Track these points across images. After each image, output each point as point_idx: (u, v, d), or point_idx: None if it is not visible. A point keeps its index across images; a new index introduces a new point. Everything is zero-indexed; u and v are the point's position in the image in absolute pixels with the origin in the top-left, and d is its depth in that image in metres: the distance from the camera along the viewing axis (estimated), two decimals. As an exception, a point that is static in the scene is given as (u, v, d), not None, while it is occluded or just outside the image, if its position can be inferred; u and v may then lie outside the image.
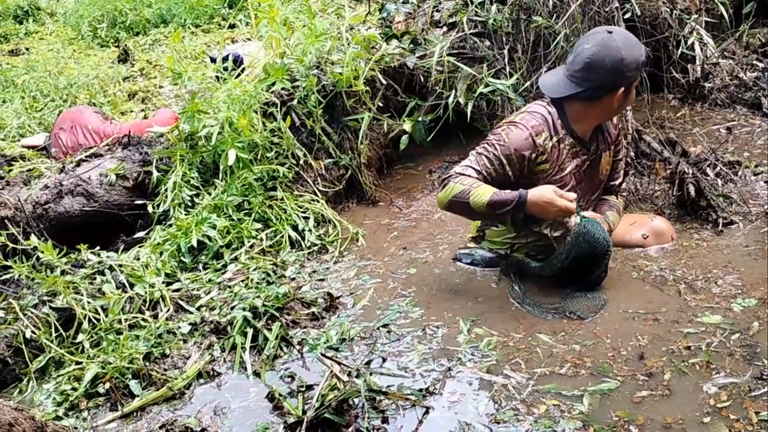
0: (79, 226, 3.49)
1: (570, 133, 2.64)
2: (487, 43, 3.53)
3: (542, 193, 2.48)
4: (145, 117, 5.40)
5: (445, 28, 4.09)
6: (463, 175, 2.59)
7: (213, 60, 4.11)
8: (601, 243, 2.48)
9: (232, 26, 8.09)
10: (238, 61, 4.09)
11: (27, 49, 8.66)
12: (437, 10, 3.99)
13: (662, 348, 2.19)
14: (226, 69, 3.87)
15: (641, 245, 2.85)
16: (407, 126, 3.62)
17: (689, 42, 3.57)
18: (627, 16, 3.39)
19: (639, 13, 3.43)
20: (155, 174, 3.52)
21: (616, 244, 2.79)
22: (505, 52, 3.45)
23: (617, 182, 2.91)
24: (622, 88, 2.50)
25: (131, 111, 5.81)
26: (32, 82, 5.64)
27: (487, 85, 3.41)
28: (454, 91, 3.49)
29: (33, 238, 3.07)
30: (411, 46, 3.86)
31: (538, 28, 3.35)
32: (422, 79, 3.86)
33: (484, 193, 2.50)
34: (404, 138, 3.59)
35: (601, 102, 2.54)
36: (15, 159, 4.75)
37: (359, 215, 3.61)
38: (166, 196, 3.43)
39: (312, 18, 3.67)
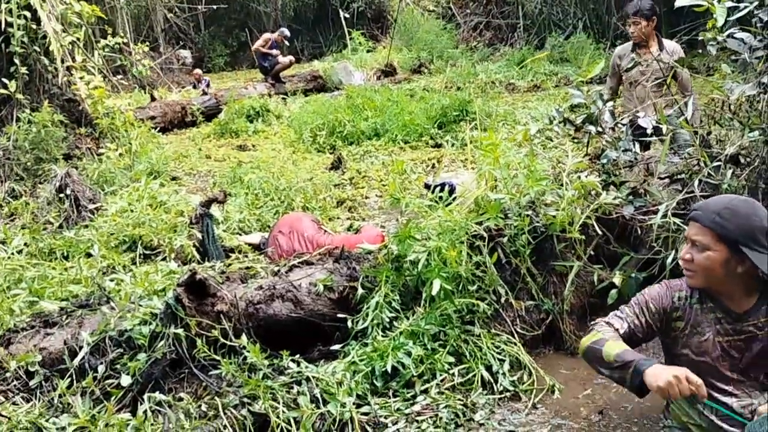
0: (282, 329, 3.66)
1: (709, 296, 2.51)
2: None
3: (660, 371, 2.29)
4: (351, 227, 5.67)
5: (666, 180, 3.95)
6: (608, 323, 2.57)
7: (427, 186, 4.26)
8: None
9: (438, 145, 8.42)
10: (451, 189, 4.20)
11: (253, 146, 9.56)
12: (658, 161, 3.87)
13: None
14: (440, 198, 3.99)
15: None
16: (617, 280, 3.47)
17: None
18: None
19: None
20: (360, 291, 3.64)
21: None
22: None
23: None
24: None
25: (338, 217, 6.14)
26: (256, 180, 6.16)
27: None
28: (674, 252, 3.31)
29: (243, 338, 3.26)
30: (630, 197, 3.76)
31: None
32: (638, 230, 3.72)
33: (616, 347, 2.42)
34: (613, 292, 3.44)
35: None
36: (233, 250, 5.18)
37: (555, 364, 3.47)
38: (367, 315, 3.51)
39: (533, 161, 3.70)
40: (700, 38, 3.64)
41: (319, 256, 4.05)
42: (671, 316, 2.56)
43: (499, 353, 3.34)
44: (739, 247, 2.35)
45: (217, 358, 3.22)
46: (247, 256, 5.14)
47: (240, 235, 5.43)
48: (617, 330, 2.53)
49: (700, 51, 4.61)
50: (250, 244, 5.23)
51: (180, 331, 3.41)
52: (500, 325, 3.51)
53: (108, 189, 6.96)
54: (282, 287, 3.73)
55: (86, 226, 5.51)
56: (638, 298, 2.65)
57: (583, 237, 3.53)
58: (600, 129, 4.13)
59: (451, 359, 3.30)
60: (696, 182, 3.30)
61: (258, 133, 10.28)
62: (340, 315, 3.63)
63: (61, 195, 5.96)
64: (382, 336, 3.42)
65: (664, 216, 3.30)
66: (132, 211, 5.09)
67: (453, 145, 8.29)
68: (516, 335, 3.47)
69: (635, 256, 3.66)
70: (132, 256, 4.78)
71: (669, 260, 3.32)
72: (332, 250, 4.06)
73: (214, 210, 5.16)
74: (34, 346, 3.58)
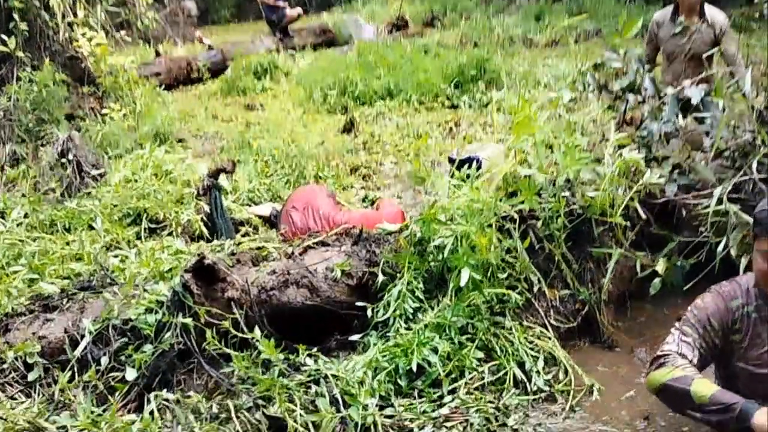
0: (298, 317, 3.43)
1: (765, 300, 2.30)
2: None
3: None
4: (366, 199, 5.40)
5: (710, 154, 3.63)
6: (681, 354, 2.32)
7: (452, 161, 3.96)
8: None
9: (454, 106, 8.07)
10: (478, 165, 3.90)
11: (261, 105, 9.21)
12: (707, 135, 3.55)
13: None
14: (467, 177, 3.72)
15: None
16: (660, 267, 3.20)
17: None
18: None
19: None
20: (381, 278, 3.38)
21: None
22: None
23: None
24: None
25: (352, 186, 5.86)
26: (266, 147, 5.86)
27: None
28: (725, 239, 3.03)
29: (257, 330, 3.02)
30: (674, 174, 3.46)
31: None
32: (681, 211, 3.43)
33: (707, 387, 2.21)
34: (656, 281, 3.17)
35: None
36: (242, 223, 4.92)
37: (592, 359, 3.22)
38: (389, 304, 3.26)
39: (571, 135, 3.39)
40: None
41: (335, 236, 3.79)
42: (732, 329, 2.36)
43: (532, 348, 3.09)
44: None
45: (228, 351, 2.99)
46: (257, 230, 4.89)
47: (250, 206, 5.16)
48: (691, 361, 2.28)
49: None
50: (260, 216, 4.98)
51: (189, 320, 3.18)
52: (532, 317, 3.26)
53: (112, 152, 6.70)
54: (297, 272, 3.48)
55: (89, 194, 5.26)
56: (698, 315, 2.42)
57: (626, 223, 3.24)
58: (640, 98, 3.81)
59: (480, 355, 3.05)
60: (755, 164, 2.99)
61: (266, 91, 9.91)
62: (359, 303, 3.38)
63: (63, 160, 5.70)
64: (405, 328, 3.17)
65: (719, 202, 3.00)
66: (136, 180, 4.81)
67: (470, 106, 7.94)
68: (550, 327, 3.21)
69: (680, 239, 3.37)
70: (137, 230, 4.54)
71: (720, 248, 3.03)
72: (350, 229, 3.79)
73: (222, 180, 4.88)
74: (33, 334, 3.35)
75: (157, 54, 11.07)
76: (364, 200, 5.50)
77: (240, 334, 3.06)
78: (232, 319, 3.17)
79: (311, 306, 3.42)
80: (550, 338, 3.15)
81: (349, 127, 7.56)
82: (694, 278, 3.13)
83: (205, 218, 4.66)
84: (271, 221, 4.92)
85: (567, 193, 3.30)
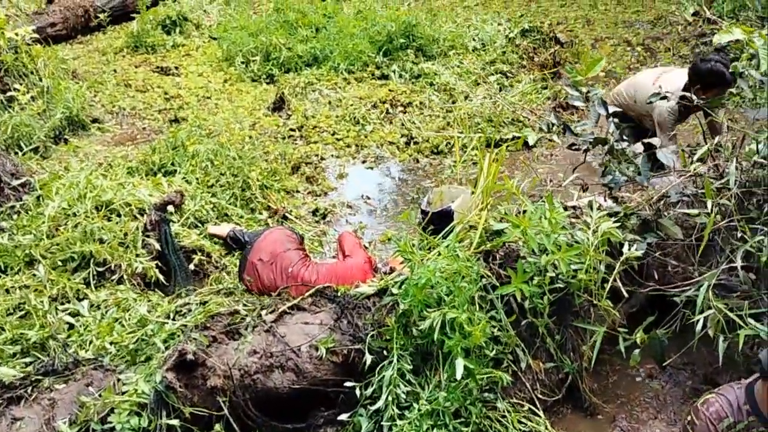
0: (283, 399, 3.38)
1: (765, 423, 2.39)
2: (752, 276, 3.19)
3: None
4: (317, 212, 5.26)
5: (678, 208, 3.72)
6: None
7: (424, 213, 3.88)
8: None
9: (385, 76, 7.86)
10: (448, 216, 3.86)
11: (176, 68, 8.65)
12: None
13: None
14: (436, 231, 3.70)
15: None
16: (639, 340, 3.32)
17: None
18: None
19: None
20: (368, 357, 3.34)
21: None
22: (774, 293, 3.12)
23: None
24: None
25: (297, 191, 5.68)
26: (204, 151, 5.52)
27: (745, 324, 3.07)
28: (703, 320, 3.17)
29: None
30: (645, 236, 3.55)
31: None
32: (655, 274, 3.55)
33: None
34: (635, 353, 3.29)
35: None
36: (194, 251, 4.70)
37: (574, 426, 3.37)
38: (380, 387, 3.25)
39: (555, 227, 3.31)
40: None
41: (311, 299, 3.69)
42: None
43: (523, 429, 3.19)
44: None
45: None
46: (210, 258, 4.70)
47: (198, 226, 4.92)
48: None
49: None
50: (217, 236, 4.78)
51: (175, 422, 3.07)
52: (520, 392, 3.35)
53: (27, 147, 6.19)
54: (279, 353, 3.39)
55: (18, 212, 4.86)
56: None
57: (610, 304, 3.33)
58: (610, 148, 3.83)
59: (475, 440, 3.13)
60: (739, 255, 3.10)
61: (178, 48, 9.29)
62: (347, 384, 3.35)
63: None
64: (399, 415, 3.19)
65: (706, 290, 3.11)
66: (75, 214, 4.46)
67: (401, 76, 7.76)
68: (537, 402, 3.31)
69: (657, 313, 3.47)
70: (83, 275, 4.25)
71: (698, 328, 3.18)
72: (323, 289, 3.70)
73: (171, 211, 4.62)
74: (2, 439, 3.15)
75: (50, 1, 10.08)
76: (315, 213, 5.36)
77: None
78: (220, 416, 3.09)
79: (297, 389, 3.37)
80: (539, 416, 3.25)
81: (279, 105, 7.25)
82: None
83: (156, 252, 4.43)
84: (228, 243, 4.74)
85: (552, 273, 3.31)
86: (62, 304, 4.07)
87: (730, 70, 3.75)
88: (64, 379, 3.42)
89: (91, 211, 4.49)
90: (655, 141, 3.90)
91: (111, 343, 3.67)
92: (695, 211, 3.42)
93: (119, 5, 10.65)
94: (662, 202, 3.70)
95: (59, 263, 4.26)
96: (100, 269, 4.27)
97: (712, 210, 3.18)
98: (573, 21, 9.33)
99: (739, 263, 3.10)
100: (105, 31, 10.30)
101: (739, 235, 3.20)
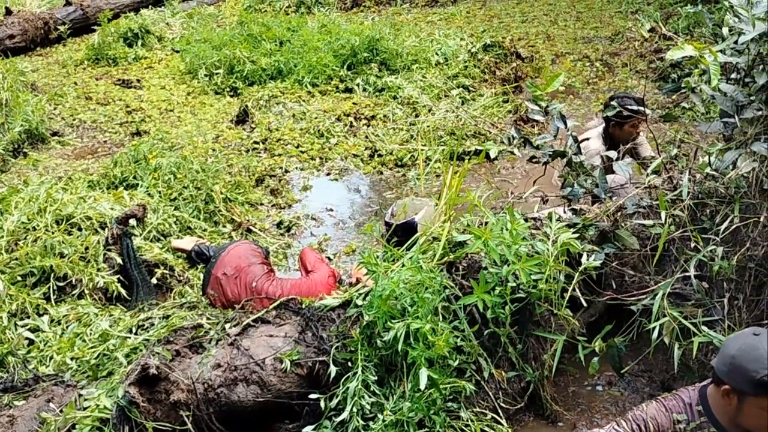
0: (248, 413, 3.37)
1: (714, 424, 2.48)
2: (705, 285, 3.29)
3: None
4: (282, 225, 5.27)
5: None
6: None
7: (388, 225, 3.92)
8: None
9: (349, 89, 7.91)
10: (412, 228, 3.91)
11: (138, 80, 8.59)
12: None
13: None
14: (400, 243, 3.74)
15: None
16: (598, 348, 3.39)
17: None
18: None
19: None
20: (333, 368, 3.36)
21: None
22: (725, 301, 3.21)
23: None
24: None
25: (261, 204, 5.68)
26: (167, 165, 5.49)
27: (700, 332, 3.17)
28: (658, 328, 3.25)
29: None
30: (603, 246, 3.64)
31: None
32: (613, 284, 3.64)
33: None
34: (595, 361, 3.36)
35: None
36: (156, 265, 4.65)
37: (537, 435, 3.43)
38: (344, 399, 3.27)
39: (516, 238, 3.37)
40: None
41: (275, 312, 3.70)
42: None
43: (489, 440, 3.24)
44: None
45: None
46: (173, 272, 4.67)
47: (161, 240, 4.89)
48: None
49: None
50: (181, 250, 4.74)
51: (138, 437, 3.05)
52: (483, 401, 3.39)
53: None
54: (243, 366, 3.39)
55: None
56: (636, 414, 2.60)
57: (570, 313, 3.40)
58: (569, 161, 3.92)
59: (439, 450, 3.16)
60: (692, 264, 3.20)
61: (140, 61, 9.24)
62: (312, 396, 3.36)
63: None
64: (363, 426, 3.20)
65: (661, 298, 3.20)
66: (35, 228, 4.41)
67: (365, 90, 7.82)
68: (501, 411, 3.36)
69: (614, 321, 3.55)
70: (43, 290, 4.19)
71: (654, 336, 3.26)
72: (287, 302, 3.71)
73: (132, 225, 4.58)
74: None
75: (8, 12, 9.96)
76: (279, 225, 5.36)
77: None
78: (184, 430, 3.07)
79: (262, 402, 3.37)
80: (502, 425, 3.30)
81: (242, 118, 7.25)
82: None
83: (117, 267, 4.39)
84: (192, 258, 4.71)
85: (513, 283, 3.37)
86: (22, 319, 4.02)
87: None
88: (24, 395, 3.39)
89: (52, 225, 4.44)
90: (611, 154, 4.00)
91: (72, 359, 3.63)
92: (651, 222, 3.52)
93: (80, 17, 10.58)
94: (619, 214, 3.79)
95: (18, 278, 4.21)
96: (60, 284, 4.22)
97: (666, 221, 3.27)
98: (534, 36, 9.51)
99: (692, 272, 3.20)
100: (65, 43, 10.24)
101: (692, 245, 3.30)
